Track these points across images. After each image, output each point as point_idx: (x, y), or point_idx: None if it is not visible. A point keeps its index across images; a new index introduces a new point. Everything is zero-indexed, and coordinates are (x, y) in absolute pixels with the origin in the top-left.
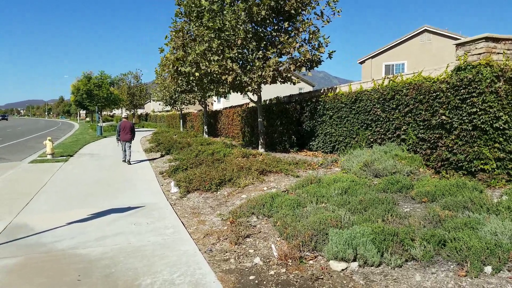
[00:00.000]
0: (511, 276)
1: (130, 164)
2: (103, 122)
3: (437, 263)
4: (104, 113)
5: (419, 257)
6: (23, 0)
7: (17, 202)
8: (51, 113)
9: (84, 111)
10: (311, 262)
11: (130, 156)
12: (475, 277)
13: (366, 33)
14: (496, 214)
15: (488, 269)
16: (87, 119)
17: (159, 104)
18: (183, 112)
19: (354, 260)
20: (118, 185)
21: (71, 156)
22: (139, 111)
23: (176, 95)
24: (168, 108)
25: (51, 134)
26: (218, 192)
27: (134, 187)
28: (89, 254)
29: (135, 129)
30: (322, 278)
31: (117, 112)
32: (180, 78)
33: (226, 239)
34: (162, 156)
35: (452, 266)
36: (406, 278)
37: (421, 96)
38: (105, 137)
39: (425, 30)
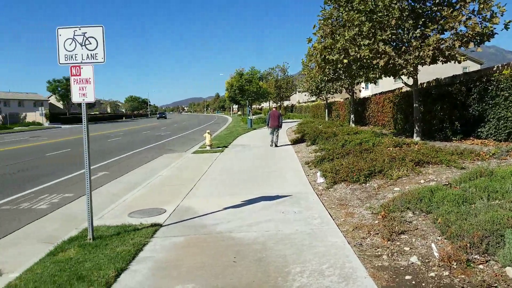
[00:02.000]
0: None
1: (277, 146)
2: (253, 115)
3: None
4: (253, 106)
5: None
6: (185, 8)
7: (183, 187)
8: (208, 109)
9: (236, 106)
10: (481, 266)
11: (277, 140)
12: None
13: None
14: None
15: None
16: (239, 112)
17: (304, 95)
18: (328, 101)
19: None
20: (267, 174)
21: (226, 147)
22: (285, 103)
23: (322, 85)
24: (313, 98)
25: (209, 128)
26: (367, 184)
27: (281, 176)
28: (243, 238)
29: (282, 119)
30: (495, 286)
31: (264, 105)
32: (327, 67)
33: (378, 234)
34: (307, 146)
35: None
36: None
37: None
38: (255, 129)
39: None
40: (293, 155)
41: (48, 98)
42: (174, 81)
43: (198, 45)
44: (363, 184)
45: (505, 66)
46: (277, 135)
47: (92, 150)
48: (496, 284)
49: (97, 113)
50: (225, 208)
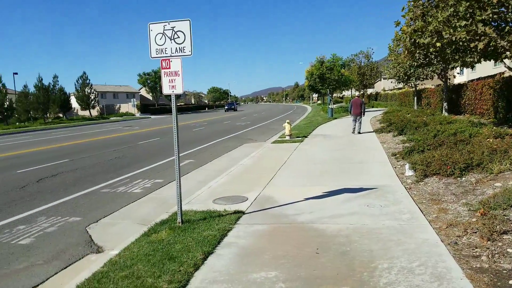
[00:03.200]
0: None
1: (360, 133)
2: (333, 104)
3: None
4: (334, 95)
5: None
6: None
7: (263, 176)
8: (287, 98)
9: (316, 95)
10: None
11: (360, 128)
12: None
13: None
14: None
15: None
16: (319, 101)
17: (391, 82)
18: (417, 88)
19: None
20: (349, 165)
21: (306, 137)
22: (369, 91)
23: (411, 71)
24: (400, 85)
25: (288, 118)
26: (463, 178)
27: (365, 167)
28: (326, 229)
29: (365, 107)
30: None
31: (346, 93)
32: (417, 51)
33: (476, 232)
34: (394, 136)
35: None
36: None
37: None
38: (335, 118)
39: None
40: (378, 145)
41: (139, 90)
42: (253, 71)
43: (277, 33)
44: (458, 178)
45: None
46: (360, 122)
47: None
48: None
49: (182, 104)
50: (306, 199)
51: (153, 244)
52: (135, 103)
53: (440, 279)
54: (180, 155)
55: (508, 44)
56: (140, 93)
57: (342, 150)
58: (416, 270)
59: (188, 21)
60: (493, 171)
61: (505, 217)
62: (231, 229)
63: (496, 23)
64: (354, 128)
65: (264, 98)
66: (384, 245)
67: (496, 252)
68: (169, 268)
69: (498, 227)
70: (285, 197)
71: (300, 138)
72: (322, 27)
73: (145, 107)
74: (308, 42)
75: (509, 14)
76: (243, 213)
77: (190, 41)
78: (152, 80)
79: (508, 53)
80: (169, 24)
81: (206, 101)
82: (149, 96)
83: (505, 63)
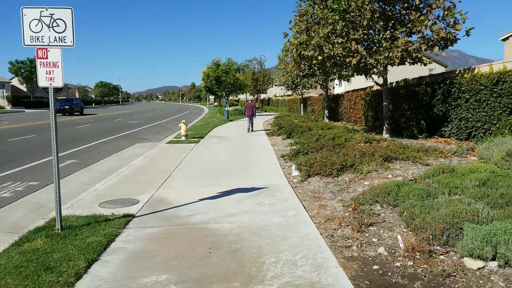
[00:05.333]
0: None
1: (253, 131)
2: (229, 106)
3: None
4: (230, 98)
5: None
6: None
7: (157, 177)
8: (184, 98)
9: (213, 96)
10: (442, 257)
11: (253, 126)
12: None
13: (510, 6)
14: None
15: None
16: (215, 103)
17: (281, 89)
18: (304, 96)
19: (493, 259)
20: (243, 166)
21: (202, 138)
22: (262, 96)
23: (298, 80)
24: (289, 92)
25: (184, 118)
26: (339, 178)
27: (257, 168)
28: (219, 229)
29: (256, 110)
30: (454, 275)
31: (241, 97)
32: (302, 62)
33: (348, 225)
34: (283, 139)
35: None
36: None
37: None
38: (231, 120)
39: None
40: (269, 148)
41: (10, 80)
42: (148, 68)
43: (174, 32)
44: (336, 178)
45: (467, 70)
46: (252, 123)
47: (59, 137)
48: (454, 274)
49: (65, 98)
50: (201, 200)
51: (26, 254)
52: (5, 94)
53: (319, 269)
54: (60, 154)
55: (375, 62)
56: (11, 83)
57: (237, 151)
58: (298, 262)
59: (70, 10)
60: (363, 171)
61: (371, 211)
62: (119, 234)
63: (366, 43)
64: (249, 127)
65: (160, 96)
66: (272, 240)
67: (364, 242)
68: (46, 279)
69: (365, 220)
70: (179, 198)
71: (196, 139)
72: (219, 30)
73: (18, 100)
74: (204, 44)
75: (376, 36)
76: (134, 216)
77: (72, 31)
78: (27, 70)
79: (375, 69)
80: (47, 10)
81: (93, 96)
82: (23, 88)
83: (373, 78)
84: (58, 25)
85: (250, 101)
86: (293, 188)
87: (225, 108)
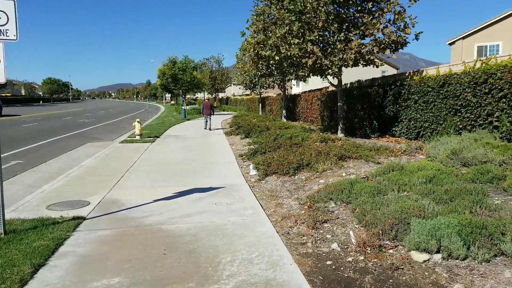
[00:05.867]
0: None
1: (211, 130)
2: (187, 105)
3: None
4: (188, 96)
5: (509, 252)
6: None
7: (109, 178)
8: (139, 96)
9: (169, 95)
10: (391, 251)
11: (210, 125)
12: None
13: (457, 12)
14: None
15: None
16: (172, 102)
17: (239, 88)
18: (262, 96)
19: (438, 252)
20: (200, 166)
21: (158, 137)
22: (220, 95)
23: (256, 79)
24: (248, 92)
25: (139, 116)
26: (296, 176)
27: (215, 168)
28: (174, 230)
29: (214, 109)
30: (402, 268)
31: (199, 95)
32: (260, 62)
33: (304, 223)
34: (241, 139)
35: None
36: (494, 274)
37: None
38: (189, 119)
39: None
40: (227, 147)
41: None
42: (101, 64)
43: (128, 27)
44: (293, 177)
45: (416, 73)
46: (210, 121)
47: (2, 136)
48: (402, 266)
49: (9, 95)
50: (156, 200)
51: None
52: None
53: (274, 266)
54: (3, 154)
55: (330, 63)
56: None
57: (194, 151)
58: (255, 260)
59: (13, 1)
60: (318, 170)
61: (326, 209)
62: (68, 237)
63: (322, 44)
64: (206, 125)
65: (113, 94)
66: (229, 240)
67: (318, 238)
68: None
69: (320, 217)
70: (133, 199)
71: (152, 138)
72: (175, 27)
73: None
74: (160, 41)
75: (331, 38)
76: (84, 218)
77: (16, 24)
78: None
79: (330, 70)
80: None
81: (41, 93)
82: None
83: (328, 79)
84: (0, 17)
85: (208, 100)
86: (251, 187)
87: (182, 107)
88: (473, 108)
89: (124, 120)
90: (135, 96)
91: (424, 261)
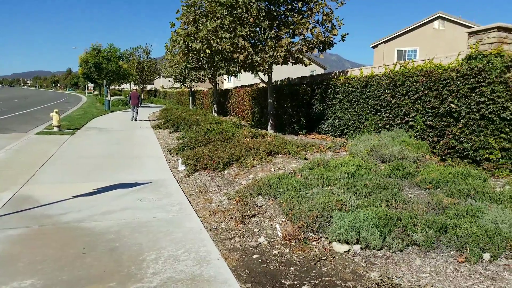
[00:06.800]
0: (508, 264)
1: (137, 121)
2: (111, 96)
3: (437, 249)
4: (113, 87)
5: (420, 242)
6: None
7: (22, 173)
8: (58, 85)
9: (92, 84)
10: (314, 243)
11: (137, 116)
12: (473, 263)
13: (381, 17)
14: (498, 203)
15: (486, 256)
16: (95, 92)
17: (169, 81)
18: (193, 89)
19: (357, 243)
20: (125, 160)
21: (78, 129)
22: (148, 87)
23: (186, 72)
24: (178, 85)
25: (58, 107)
26: (226, 172)
27: (141, 163)
28: (95, 227)
29: (141, 100)
30: (324, 259)
31: (125, 86)
32: (190, 55)
33: (232, 218)
34: (170, 133)
35: (452, 252)
36: (407, 262)
37: (431, 84)
38: (113, 111)
39: (439, 17)
40: (155, 141)
41: None
42: (14, 49)
43: (47, 8)
44: (222, 172)
45: (341, 73)
46: (137, 111)
47: None
48: (324, 258)
49: None
50: (75, 197)
51: None
52: None
53: (201, 262)
54: None
55: (261, 60)
56: None
57: (119, 144)
58: (181, 257)
59: None
60: (248, 165)
61: (254, 203)
62: None
63: (253, 41)
64: (133, 116)
65: (28, 82)
66: (154, 237)
67: (246, 233)
68: None
69: (248, 212)
70: (49, 196)
71: (72, 130)
72: (99, 12)
73: None
74: (83, 26)
75: (262, 34)
76: None
77: None
78: None
79: (261, 67)
80: None
81: None
82: None
83: (259, 75)
84: None
85: (135, 90)
86: (179, 183)
87: (106, 98)
88: (392, 108)
89: (40, 110)
90: (54, 85)
91: (345, 251)
